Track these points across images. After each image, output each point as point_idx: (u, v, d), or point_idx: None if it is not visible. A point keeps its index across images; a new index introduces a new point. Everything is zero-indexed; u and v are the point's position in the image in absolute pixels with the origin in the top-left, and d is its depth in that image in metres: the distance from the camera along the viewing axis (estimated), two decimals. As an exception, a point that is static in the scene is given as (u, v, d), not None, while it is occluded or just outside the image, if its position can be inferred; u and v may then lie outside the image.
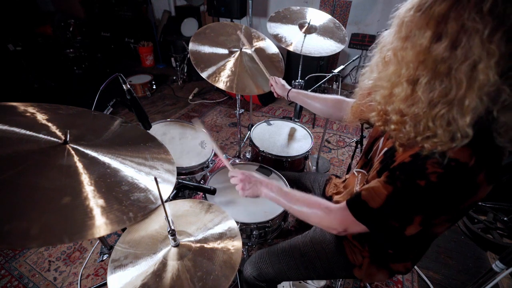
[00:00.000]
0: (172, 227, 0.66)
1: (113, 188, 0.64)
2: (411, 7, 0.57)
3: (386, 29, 0.66)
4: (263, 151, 1.47)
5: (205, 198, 1.13)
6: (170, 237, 0.68)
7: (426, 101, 0.56)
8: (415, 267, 1.65)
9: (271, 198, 0.88)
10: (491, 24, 0.48)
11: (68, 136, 0.69)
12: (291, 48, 1.71)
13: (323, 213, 0.77)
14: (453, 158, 0.57)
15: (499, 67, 0.50)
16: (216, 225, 0.79)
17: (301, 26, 1.79)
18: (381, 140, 0.84)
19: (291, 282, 1.45)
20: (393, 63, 0.61)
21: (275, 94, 1.33)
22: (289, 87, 1.28)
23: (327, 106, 1.13)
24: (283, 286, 1.44)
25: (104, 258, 1.04)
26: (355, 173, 0.94)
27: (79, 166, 0.65)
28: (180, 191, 1.04)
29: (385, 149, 0.77)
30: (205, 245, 0.72)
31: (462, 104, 0.53)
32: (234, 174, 0.94)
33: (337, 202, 1.01)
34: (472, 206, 0.62)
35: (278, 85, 1.30)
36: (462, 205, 0.61)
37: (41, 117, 0.75)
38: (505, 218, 1.85)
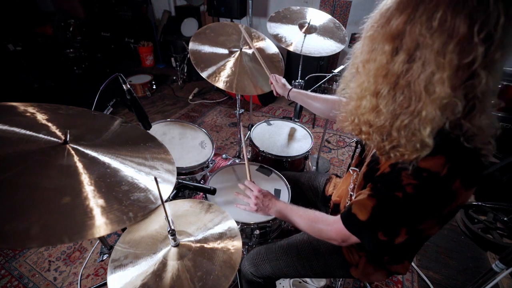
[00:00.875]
0: (172, 227, 0.66)
1: (113, 188, 0.64)
2: (373, 21, 0.60)
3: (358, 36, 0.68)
4: (263, 151, 1.47)
5: (205, 198, 1.13)
6: (170, 237, 0.68)
7: (388, 113, 0.59)
8: (416, 267, 1.65)
9: (280, 218, 1.00)
10: (441, 39, 0.50)
11: (68, 136, 0.69)
12: (291, 48, 1.71)
13: (323, 226, 0.83)
14: (425, 168, 0.58)
15: (455, 79, 0.51)
16: (216, 225, 0.79)
17: (301, 26, 1.79)
18: None
19: (291, 282, 1.45)
20: (362, 75, 0.64)
21: (274, 92, 1.32)
22: (290, 87, 1.27)
23: (327, 107, 1.13)
24: (283, 286, 1.44)
25: (104, 258, 1.04)
26: (351, 171, 0.95)
27: (79, 166, 0.65)
28: (180, 191, 1.04)
29: (374, 150, 0.79)
30: (205, 245, 0.72)
31: (421, 115, 0.55)
32: (252, 187, 1.07)
33: (335, 201, 1.02)
34: (457, 209, 0.64)
35: (279, 84, 1.29)
36: (445, 211, 0.62)
37: (41, 117, 0.75)
38: (505, 218, 1.85)
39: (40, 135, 0.68)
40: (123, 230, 0.80)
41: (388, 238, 0.67)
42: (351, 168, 0.96)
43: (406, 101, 0.57)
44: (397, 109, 0.58)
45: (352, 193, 0.91)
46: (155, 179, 0.58)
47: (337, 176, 1.23)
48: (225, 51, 1.44)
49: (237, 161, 1.99)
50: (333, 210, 1.05)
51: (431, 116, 0.54)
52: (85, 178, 0.63)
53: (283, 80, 1.30)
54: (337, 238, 0.79)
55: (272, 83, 1.31)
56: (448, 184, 0.58)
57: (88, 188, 0.61)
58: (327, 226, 0.82)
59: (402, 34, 0.54)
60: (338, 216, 0.78)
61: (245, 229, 1.10)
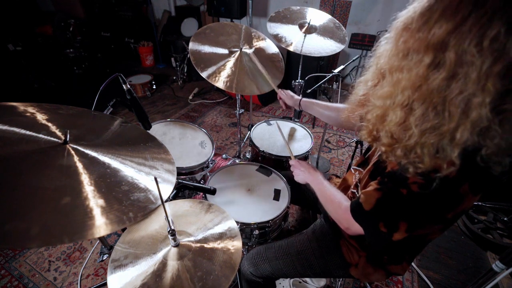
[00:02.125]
0: (172, 227, 0.66)
1: (113, 188, 0.64)
2: (409, 23, 0.54)
3: (384, 31, 0.64)
4: (263, 151, 1.47)
5: (205, 198, 1.13)
6: (170, 237, 0.68)
7: (418, 132, 0.55)
8: (416, 267, 1.65)
9: (312, 184, 0.99)
10: (490, 60, 0.45)
11: (68, 136, 0.69)
12: (291, 48, 1.71)
13: (336, 207, 0.85)
14: (434, 169, 0.56)
15: (495, 103, 0.48)
16: (216, 225, 0.79)
17: (301, 26, 1.79)
18: None
19: (291, 281, 1.45)
20: (389, 83, 0.59)
21: (283, 106, 1.34)
22: (298, 97, 1.28)
23: (339, 115, 1.12)
24: (283, 286, 1.44)
25: (104, 258, 1.04)
26: (352, 170, 0.96)
27: (79, 166, 0.65)
28: (180, 191, 1.04)
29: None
30: (205, 245, 0.73)
31: (453, 137, 0.52)
32: (293, 162, 1.12)
33: None
34: (461, 214, 0.62)
35: (287, 96, 1.31)
36: (449, 214, 0.61)
37: (41, 117, 0.75)
38: (505, 218, 1.85)
39: (40, 135, 0.68)
40: (123, 230, 0.80)
41: (388, 230, 0.67)
42: (353, 167, 0.96)
43: (439, 120, 0.52)
44: (429, 128, 0.54)
45: (354, 191, 0.91)
46: (155, 179, 0.58)
47: (337, 176, 1.24)
48: (225, 51, 1.44)
49: (237, 161, 1.99)
50: None
51: (464, 138, 0.50)
52: (85, 178, 0.63)
53: (290, 92, 1.32)
54: (344, 222, 0.81)
55: (281, 98, 1.34)
56: (456, 187, 0.57)
57: (88, 188, 0.61)
58: (338, 209, 0.84)
59: (445, 46, 0.48)
60: (349, 203, 0.79)
61: (245, 229, 1.10)
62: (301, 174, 1.05)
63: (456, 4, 0.47)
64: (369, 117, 0.66)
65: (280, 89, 1.35)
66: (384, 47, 0.63)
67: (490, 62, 0.45)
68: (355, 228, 0.76)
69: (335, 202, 0.86)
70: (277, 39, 1.71)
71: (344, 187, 1.01)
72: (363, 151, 0.97)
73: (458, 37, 0.47)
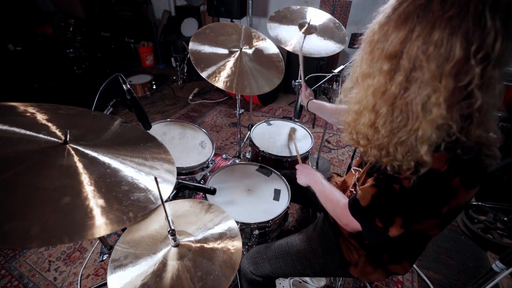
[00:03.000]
0: (172, 227, 0.66)
1: (113, 188, 0.64)
2: (373, 35, 0.60)
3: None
4: (263, 151, 1.47)
5: (205, 198, 1.13)
6: (170, 237, 0.68)
7: (387, 132, 0.61)
8: (416, 267, 1.65)
9: (312, 186, 1.01)
10: (436, 62, 0.50)
11: (68, 136, 0.69)
12: (290, 49, 1.70)
13: (335, 205, 0.87)
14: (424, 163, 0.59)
15: (451, 101, 0.52)
16: (216, 225, 0.79)
17: (301, 26, 1.79)
18: None
19: (291, 281, 1.45)
20: (361, 89, 0.66)
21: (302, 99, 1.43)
22: (311, 98, 1.36)
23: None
24: (283, 286, 1.44)
25: (104, 258, 1.04)
26: (353, 171, 0.96)
27: (79, 166, 0.65)
28: (180, 191, 1.04)
29: None
30: (205, 245, 0.73)
31: (417, 135, 0.56)
32: (299, 166, 1.14)
33: None
34: (457, 210, 0.64)
35: (307, 92, 1.38)
36: (443, 209, 0.62)
37: (41, 117, 0.75)
38: (505, 218, 1.85)
39: (40, 135, 0.68)
40: (123, 230, 0.80)
41: (384, 225, 0.68)
42: (353, 168, 0.97)
43: (404, 120, 0.58)
44: (395, 128, 0.60)
45: (352, 190, 0.92)
46: (155, 179, 0.58)
47: (337, 175, 1.24)
48: (225, 51, 1.44)
49: (237, 161, 1.99)
50: None
51: (427, 135, 0.55)
52: (85, 178, 0.63)
53: (310, 91, 1.41)
54: (342, 219, 0.83)
55: (301, 90, 1.42)
56: (447, 181, 0.58)
57: (88, 188, 0.61)
58: (336, 206, 0.86)
59: (400, 54, 0.55)
60: (347, 201, 0.81)
61: (245, 229, 1.11)
62: (303, 177, 1.07)
63: (405, 17, 0.54)
64: (348, 120, 0.72)
65: (304, 83, 1.43)
66: (358, 57, 0.68)
67: (438, 64, 0.50)
68: (354, 224, 0.77)
69: (334, 200, 0.87)
70: (277, 40, 1.70)
71: (343, 188, 1.01)
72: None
73: (408, 45, 0.53)
